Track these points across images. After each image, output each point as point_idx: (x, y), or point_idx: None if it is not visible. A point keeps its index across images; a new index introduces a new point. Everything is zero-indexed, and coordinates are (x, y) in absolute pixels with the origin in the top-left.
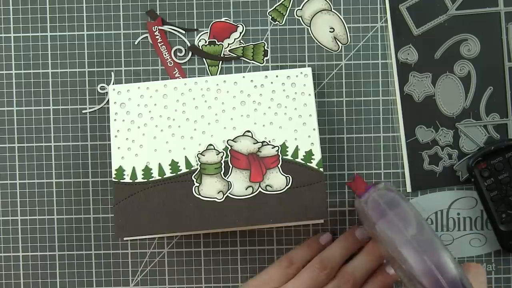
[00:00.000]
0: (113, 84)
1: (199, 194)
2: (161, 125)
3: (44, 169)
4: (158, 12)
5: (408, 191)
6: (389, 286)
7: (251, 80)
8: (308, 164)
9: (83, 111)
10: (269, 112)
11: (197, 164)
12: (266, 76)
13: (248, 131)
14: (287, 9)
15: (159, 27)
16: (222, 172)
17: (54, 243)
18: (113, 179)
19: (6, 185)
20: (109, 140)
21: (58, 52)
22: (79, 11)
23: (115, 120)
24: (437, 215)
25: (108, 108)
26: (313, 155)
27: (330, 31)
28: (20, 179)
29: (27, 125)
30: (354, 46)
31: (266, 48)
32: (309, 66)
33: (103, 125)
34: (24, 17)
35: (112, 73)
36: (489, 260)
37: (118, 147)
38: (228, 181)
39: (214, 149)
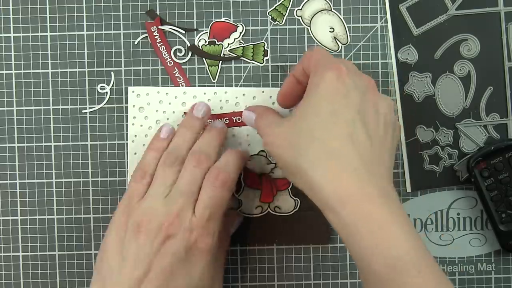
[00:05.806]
0: (113, 84)
1: None
2: None
3: (44, 169)
4: (158, 12)
5: (408, 191)
6: (246, 156)
7: (270, 96)
8: None
9: (83, 111)
10: None
11: None
12: None
13: (263, 151)
14: (287, 9)
15: (158, 27)
16: (234, 189)
17: (54, 243)
18: None
19: (6, 185)
20: (109, 140)
21: (58, 52)
22: (79, 11)
23: (133, 124)
24: (437, 215)
25: (108, 108)
26: None
27: (330, 31)
28: (20, 179)
29: (27, 125)
30: (354, 46)
31: (266, 48)
32: None
33: (103, 125)
34: (24, 17)
35: (112, 73)
36: (489, 260)
37: (135, 153)
38: (239, 199)
39: None
